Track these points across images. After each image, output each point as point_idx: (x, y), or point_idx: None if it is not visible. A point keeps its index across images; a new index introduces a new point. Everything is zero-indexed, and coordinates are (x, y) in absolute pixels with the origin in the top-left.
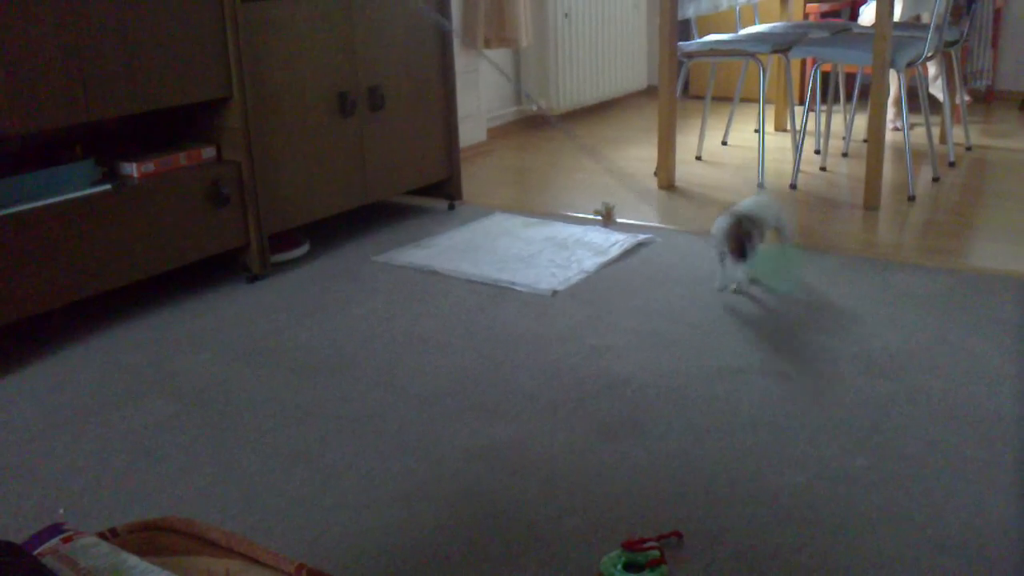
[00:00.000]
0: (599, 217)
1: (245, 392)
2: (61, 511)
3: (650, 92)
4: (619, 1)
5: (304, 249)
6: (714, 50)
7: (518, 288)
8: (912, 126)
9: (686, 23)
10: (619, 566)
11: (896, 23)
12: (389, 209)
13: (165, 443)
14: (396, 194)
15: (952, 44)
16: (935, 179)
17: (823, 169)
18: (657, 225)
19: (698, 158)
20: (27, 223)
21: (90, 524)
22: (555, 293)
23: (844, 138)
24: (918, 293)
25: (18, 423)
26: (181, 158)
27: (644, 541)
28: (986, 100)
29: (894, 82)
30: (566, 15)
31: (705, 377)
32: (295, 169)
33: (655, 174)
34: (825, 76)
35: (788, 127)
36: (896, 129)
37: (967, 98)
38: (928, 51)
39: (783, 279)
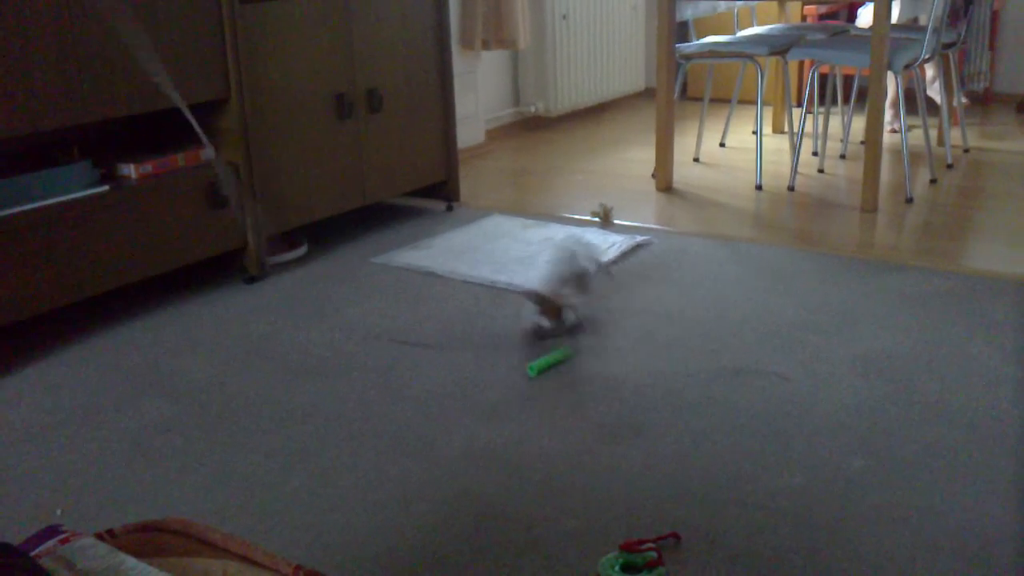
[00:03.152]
0: (597, 219)
1: (243, 393)
2: (58, 512)
3: (648, 94)
4: (617, 3)
5: (302, 251)
6: (712, 52)
7: (516, 290)
8: (910, 128)
9: (684, 25)
10: (617, 567)
11: (894, 25)
12: (387, 211)
13: (163, 444)
14: (394, 196)
15: (949, 46)
16: (932, 181)
17: (821, 171)
18: (655, 227)
19: (696, 160)
20: (25, 224)
21: (87, 525)
22: None
23: (842, 140)
24: (915, 295)
25: (16, 424)
26: (179, 159)
27: (642, 542)
28: (983, 102)
29: (892, 84)
30: (564, 17)
31: (703, 379)
32: (293, 171)
33: (653, 176)
34: (823, 78)
35: (786, 129)
36: (894, 131)
37: (964, 100)
38: (926, 53)
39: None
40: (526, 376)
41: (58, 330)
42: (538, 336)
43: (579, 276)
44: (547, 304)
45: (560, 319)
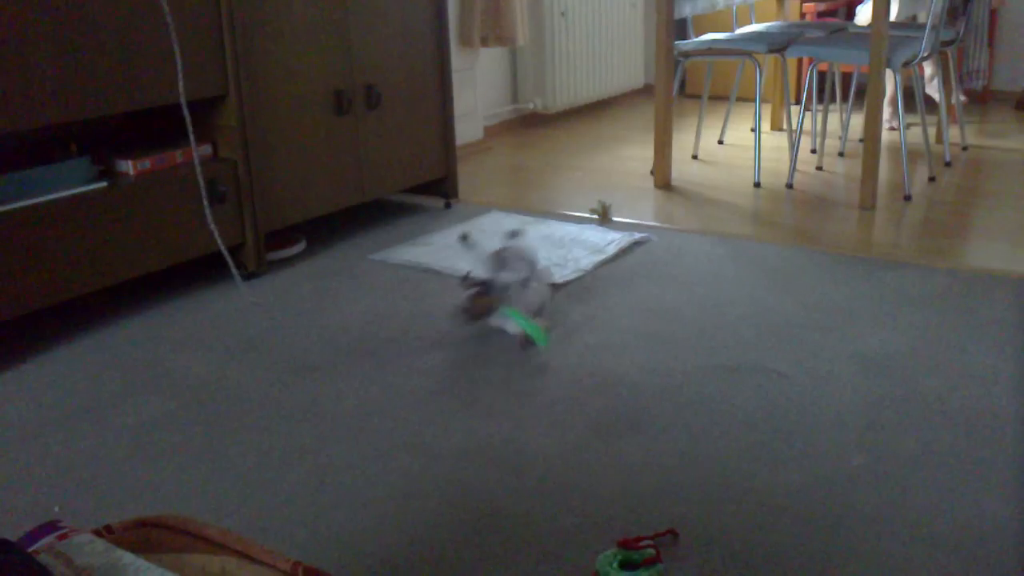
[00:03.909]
0: (596, 216)
1: (241, 389)
2: (56, 508)
3: (647, 91)
4: (616, 0)
5: (300, 247)
6: (711, 49)
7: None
8: (908, 126)
9: (682, 22)
10: (615, 564)
11: (892, 23)
12: (385, 207)
13: (160, 440)
14: (392, 192)
15: (948, 44)
16: (931, 179)
17: (819, 168)
18: (653, 224)
19: (694, 157)
20: (22, 221)
21: (85, 521)
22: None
23: (840, 137)
24: (914, 292)
25: (13, 420)
26: (177, 156)
27: (640, 539)
28: (982, 100)
29: (890, 82)
30: (563, 13)
31: (701, 376)
32: (291, 167)
33: (651, 173)
34: (821, 75)
35: (784, 126)
36: (892, 129)
37: (963, 98)
38: (924, 51)
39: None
40: (541, 350)
41: (56, 326)
42: (471, 312)
43: (503, 259)
44: (474, 286)
45: (489, 294)
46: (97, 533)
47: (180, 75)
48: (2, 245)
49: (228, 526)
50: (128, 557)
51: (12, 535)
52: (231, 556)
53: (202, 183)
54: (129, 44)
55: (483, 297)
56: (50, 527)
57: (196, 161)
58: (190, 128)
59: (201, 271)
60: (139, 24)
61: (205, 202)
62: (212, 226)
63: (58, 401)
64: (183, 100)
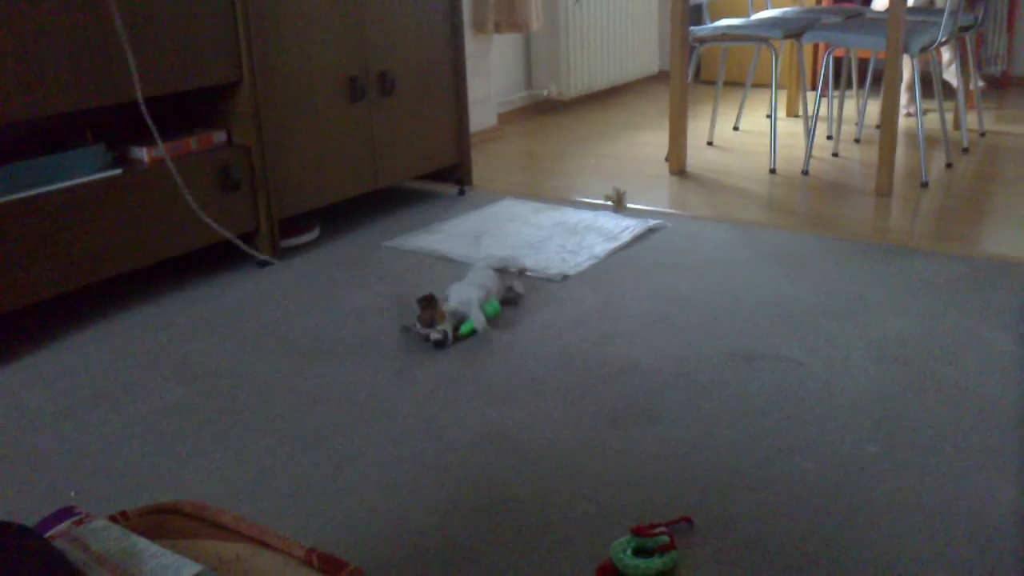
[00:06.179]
0: (610, 202)
1: (255, 377)
2: (72, 494)
3: (661, 77)
4: None
5: (314, 234)
6: (726, 35)
7: (528, 274)
8: (925, 112)
9: (698, 8)
10: (629, 551)
11: (910, 8)
12: (399, 194)
13: (175, 427)
14: (406, 179)
15: (966, 29)
16: (948, 165)
17: (835, 155)
18: (668, 210)
19: (709, 143)
20: (38, 208)
21: (101, 507)
22: (565, 278)
23: (857, 124)
24: (930, 280)
25: (29, 407)
26: (192, 143)
27: (654, 527)
28: (1000, 86)
29: (907, 67)
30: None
31: (715, 363)
32: (305, 154)
33: (666, 159)
34: (838, 61)
35: (800, 112)
36: (909, 115)
37: (981, 83)
38: (942, 36)
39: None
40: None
41: (71, 314)
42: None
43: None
44: (429, 308)
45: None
46: (113, 519)
47: (135, 74)
48: (18, 232)
49: (243, 512)
50: (143, 543)
51: (29, 521)
52: (246, 543)
53: (179, 181)
54: (144, 31)
55: (429, 309)
56: (66, 513)
57: (167, 160)
58: (154, 129)
59: (215, 259)
60: (154, 11)
61: (188, 198)
62: (206, 219)
63: (74, 388)
64: (140, 97)
